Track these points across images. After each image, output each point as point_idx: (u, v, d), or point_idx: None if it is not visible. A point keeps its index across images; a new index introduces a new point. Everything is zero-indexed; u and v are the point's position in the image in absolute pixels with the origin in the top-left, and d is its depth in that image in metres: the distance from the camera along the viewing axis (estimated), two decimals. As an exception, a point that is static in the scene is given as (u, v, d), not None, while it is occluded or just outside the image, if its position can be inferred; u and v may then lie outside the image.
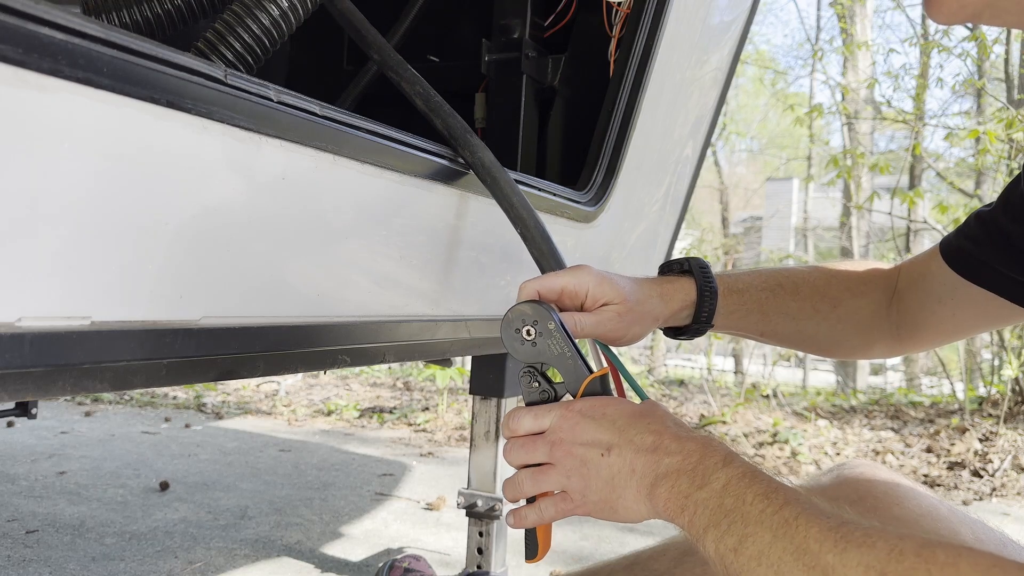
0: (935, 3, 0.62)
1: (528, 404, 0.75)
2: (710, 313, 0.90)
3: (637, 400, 0.75)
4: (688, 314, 0.90)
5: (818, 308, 0.96)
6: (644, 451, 0.65)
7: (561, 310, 0.77)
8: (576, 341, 0.74)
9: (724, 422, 4.19)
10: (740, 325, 0.95)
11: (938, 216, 5.18)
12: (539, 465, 0.71)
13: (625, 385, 0.80)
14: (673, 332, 0.94)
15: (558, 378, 0.74)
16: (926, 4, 0.63)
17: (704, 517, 0.60)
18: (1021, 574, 0.47)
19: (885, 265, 1.02)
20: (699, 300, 0.89)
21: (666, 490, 0.63)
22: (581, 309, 0.80)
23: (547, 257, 0.82)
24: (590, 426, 0.68)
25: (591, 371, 0.73)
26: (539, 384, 0.74)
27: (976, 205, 4.83)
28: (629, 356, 7.07)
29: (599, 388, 0.73)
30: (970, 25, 6.30)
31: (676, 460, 0.64)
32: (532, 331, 0.73)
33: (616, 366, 0.79)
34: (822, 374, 10.35)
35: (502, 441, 1.62)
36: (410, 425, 4.26)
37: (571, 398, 0.74)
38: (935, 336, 0.97)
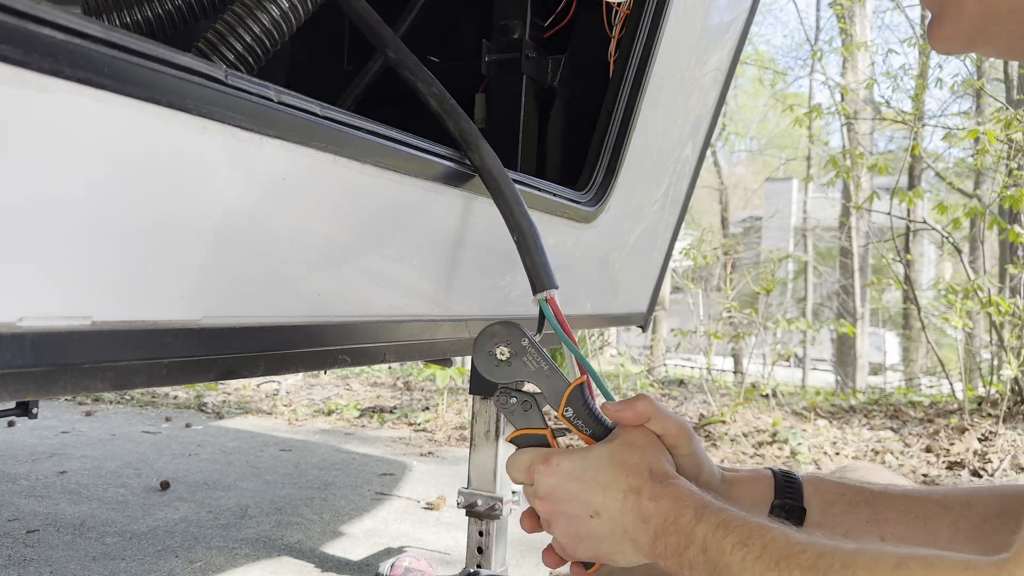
0: (932, 35, 0.63)
1: (515, 427, 0.76)
2: (795, 494, 0.79)
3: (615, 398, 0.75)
4: (764, 504, 0.80)
5: (948, 505, 0.77)
6: (628, 513, 0.68)
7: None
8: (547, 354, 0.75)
9: (724, 422, 4.19)
10: (848, 525, 0.79)
11: (937, 216, 5.18)
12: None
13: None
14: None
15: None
16: (928, 38, 0.64)
17: (700, 572, 0.63)
18: (990, 570, 0.49)
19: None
20: (777, 484, 0.80)
21: (663, 548, 0.66)
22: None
23: (540, 270, 0.82)
24: (573, 488, 0.71)
25: (569, 382, 0.74)
26: (515, 399, 0.75)
27: (975, 205, 4.83)
28: (629, 356, 7.08)
29: (580, 396, 0.74)
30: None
31: (658, 522, 0.66)
32: (506, 351, 0.74)
33: (589, 374, 0.78)
34: (821, 374, 10.36)
35: (502, 441, 1.62)
36: (410, 425, 4.26)
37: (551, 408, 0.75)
38: None
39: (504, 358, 0.74)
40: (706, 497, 0.67)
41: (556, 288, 0.82)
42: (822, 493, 0.81)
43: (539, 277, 0.81)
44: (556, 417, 0.75)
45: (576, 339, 0.78)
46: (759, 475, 0.82)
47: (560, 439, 0.77)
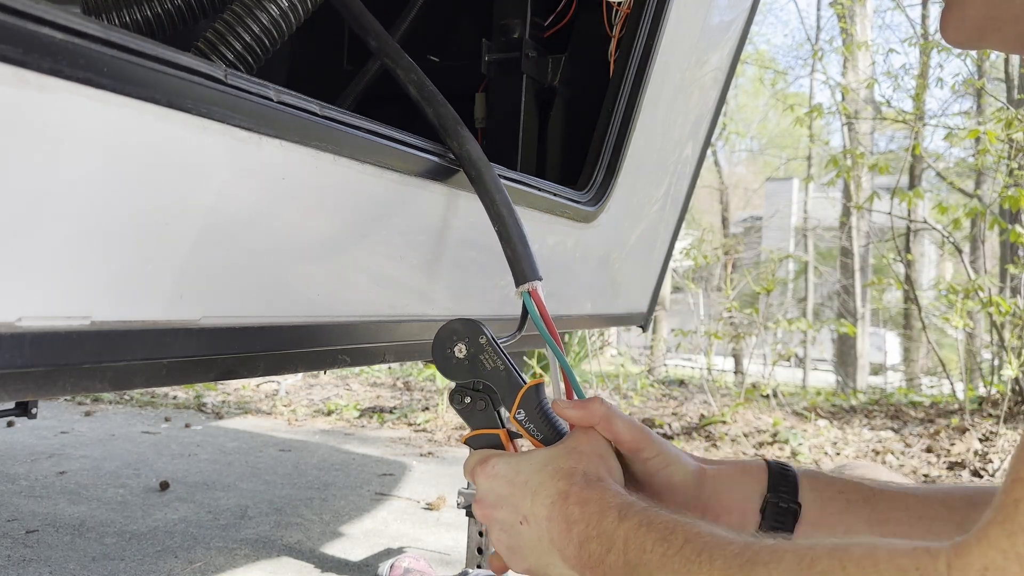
0: (942, 24, 0.62)
1: (471, 427, 0.74)
2: (790, 488, 0.74)
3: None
4: (754, 504, 0.75)
5: (951, 507, 0.73)
6: (555, 520, 0.64)
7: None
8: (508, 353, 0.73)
9: (724, 422, 4.19)
10: (847, 524, 0.75)
11: (938, 216, 5.18)
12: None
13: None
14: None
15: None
16: (940, 29, 0.64)
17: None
18: (944, 557, 0.44)
19: None
20: (772, 475, 0.75)
21: (587, 557, 0.62)
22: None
23: (522, 261, 0.79)
24: (504, 491, 0.68)
25: (525, 382, 0.71)
26: (469, 399, 0.73)
27: (976, 205, 4.83)
28: (630, 356, 7.08)
29: (535, 398, 0.71)
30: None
31: (581, 528, 0.62)
32: (464, 348, 0.72)
33: (566, 371, 0.76)
34: (822, 374, 10.35)
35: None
36: (410, 425, 4.26)
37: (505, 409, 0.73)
38: None
39: (461, 356, 0.72)
40: (633, 498, 0.63)
41: (539, 280, 0.79)
42: (819, 489, 0.75)
43: (521, 269, 0.78)
44: (508, 419, 0.73)
45: (559, 336, 0.75)
46: (750, 467, 0.77)
47: (519, 441, 0.74)
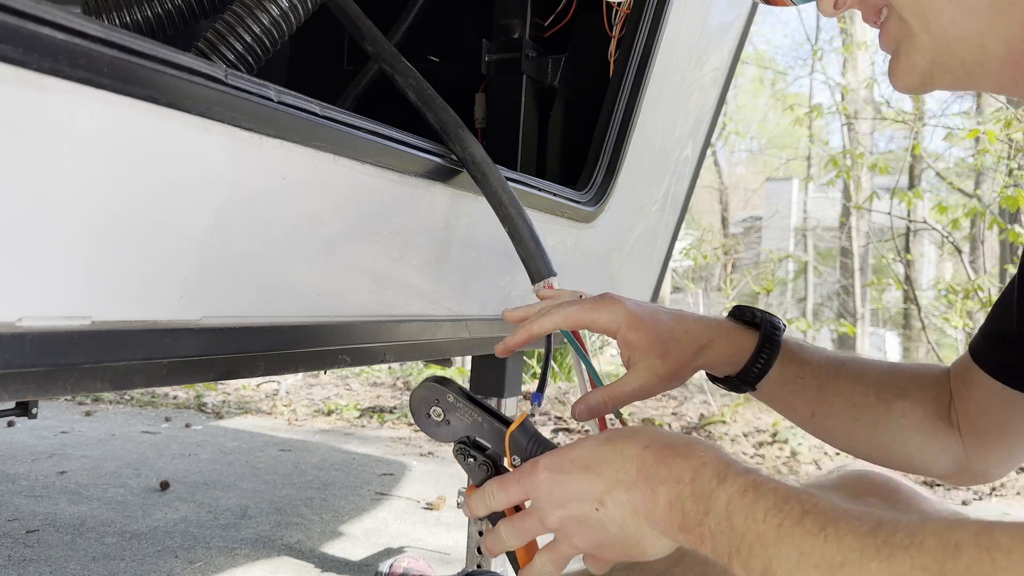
0: (891, 73, 0.64)
1: (476, 482, 0.70)
2: (764, 367, 0.80)
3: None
4: (735, 369, 0.81)
5: (881, 396, 0.84)
6: (637, 486, 0.57)
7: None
8: (481, 400, 0.70)
9: (724, 422, 4.19)
10: (792, 400, 0.85)
11: (937, 216, 5.17)
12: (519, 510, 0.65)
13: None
14: (713, 377, 0.86)
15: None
16: (889, 78, 0.65)
17: (723, 544, 0.53)
18: None
19: (938, 366, 0.90)
20: (758, 349, 0.80)
21: (679, 520, 0.55)
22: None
23: (535, 258, 0.79)
24: (568, 482, 0.61)
25: (507, 424, 0.68)
26: (475, 459, 0.69)
27: (976, 205, 4.83)
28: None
29: (522, 438, 0.68)
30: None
31: (671, 487, 0.56)
32: (440, 411, 0.70)
33: (585, 364, 0.74)
34: (822, 374, 10.34)
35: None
36: (410, 425, 4.26)
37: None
38: (1000, 452, 0.83)
39: (439, 419, 0.70)
40: (727, 454, 0.56)
41: (555, 275, 0.79)
42: (785, 372, 0.82)
43: (535, 266, 0.78)
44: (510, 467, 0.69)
45: (579, 332, 0.74)
46: (732, 356, 0.80)
47: None
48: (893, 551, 0.45)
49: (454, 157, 0.86)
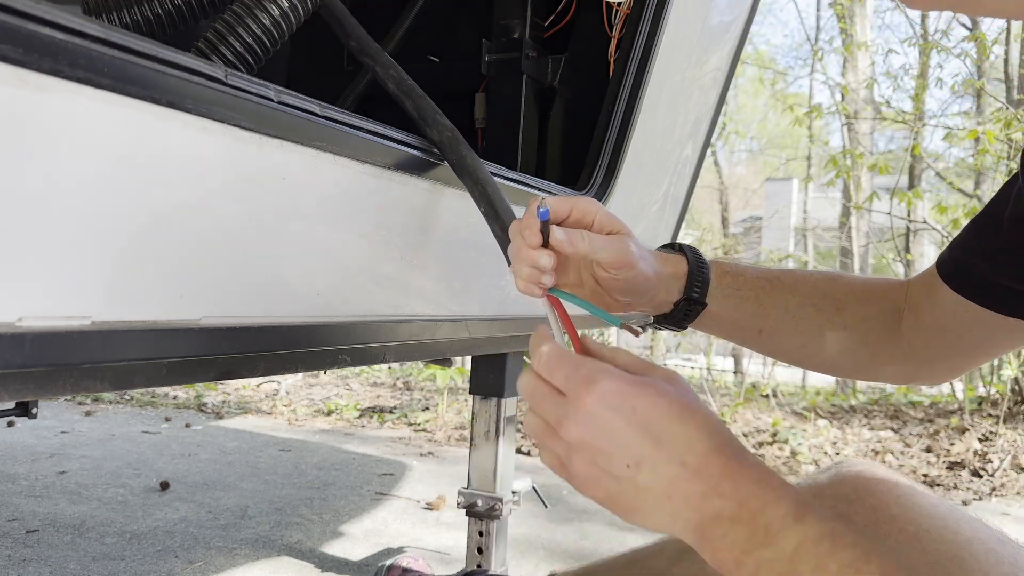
0: None
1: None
2: (703, 288, 0.84)
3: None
4: (680, 287, 0.84)
5: (820, 308, 0.87)
6: (687, 480, 0.53)
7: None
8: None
9: (723, 422, 4.19)
10: (735, 317, 0.87)
11: (937, 216, 5.18)
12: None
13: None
14: (665, 319, 0.87)
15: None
16: None
17: None
18: None
19: (893, 280, 0.93)
20: (691, 273, 0.84)
21: (719, 537, 0.52)
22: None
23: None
24: (616, 427, 0.54)
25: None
26: None
27: (975, 205, 4.83)
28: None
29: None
30: (969, 25, 6.29)
31: (730, 505, 0.52)
32: None
33: (581, 305, 0.70)
34: (821, 374, 10.35)
35: (502, 441, 1.62)
36: (410, 425, 4.26)
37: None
38: (950, 363, 0.88)
39: None
40: (803, 494, 0.53)
41: None
42: (722, 287, 0.85)
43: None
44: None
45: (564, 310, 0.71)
46: (678, 272, 0.84)
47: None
48: None
49: (430, 144, 0.85)
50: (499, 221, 0.78)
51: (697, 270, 0.85)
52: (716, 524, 0.52)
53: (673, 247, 0.88)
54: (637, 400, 0.55)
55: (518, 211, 0.78)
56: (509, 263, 0.74)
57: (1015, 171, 0.79)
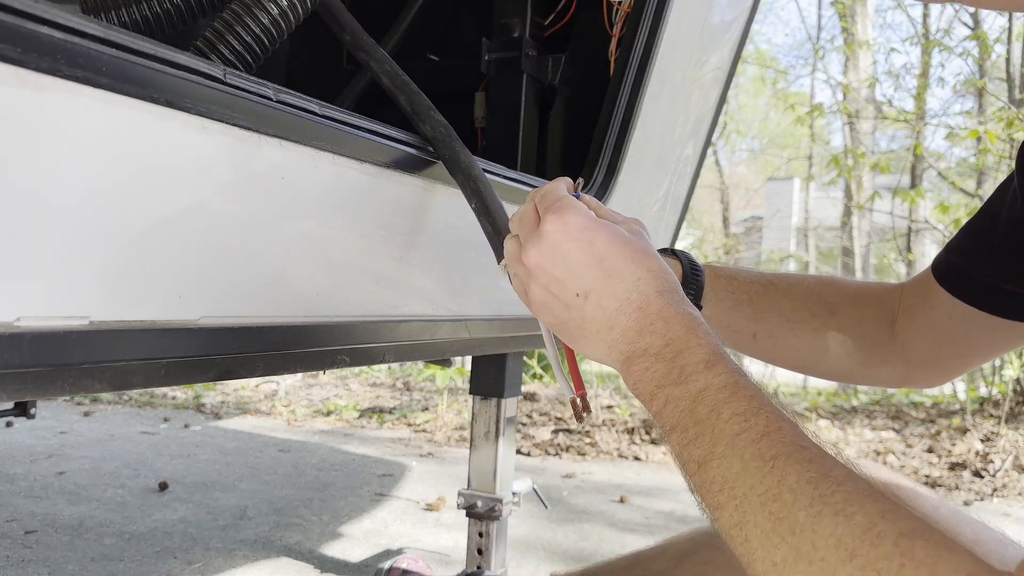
0: None
1: None
2: (697, 292, 0.84)
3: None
4: None
5: (814, 312, 0.88)
6: (627, 315, 0.58)
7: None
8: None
9: (672, 272, 4.17)
10: (730, 321, 0.88)
11: (939, 216, 5.17)
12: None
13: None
14: None
15: None
16: None
17: (673, 415, 0.54)
18: None
19: (888, 284, 0.94)
20: (684, 277, 0.84)
21: (640, 370, 0.56)
22: None
23: (502, 232, 0.78)
24: (571, 257, 0.60)
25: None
26: None
27: (977, 205, 4.82)
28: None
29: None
30: (971, 24, 6.29)
31: (656, 342, 0.56)
32: None
33: (554, 355, 0.70)
34: (822, 374, 10.34)
35: (502, 441, 1.62)
36: (410, 425, 4.25)
37: None
38: (945, 365, 0.88)
39: None
40: (723, 347, 0.57)
41: None
42: (716, 289, 0.86)
43: (501, 244, 0.77)
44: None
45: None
46: (670, 260, 0.84)
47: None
48: (822, 510, 0.45)
49: (423, 140, 0.85)
50: (490, 218, 0.78)
51: (691, 274, 0.85)
52: (643, 358, 0.57)
53: (666, 252, 0.88)
54: (596, 235, 0.60)
55: (511, 209, 0.78)
56: (499, 260, 0.75)
57: (1014, 171, 0.79)
